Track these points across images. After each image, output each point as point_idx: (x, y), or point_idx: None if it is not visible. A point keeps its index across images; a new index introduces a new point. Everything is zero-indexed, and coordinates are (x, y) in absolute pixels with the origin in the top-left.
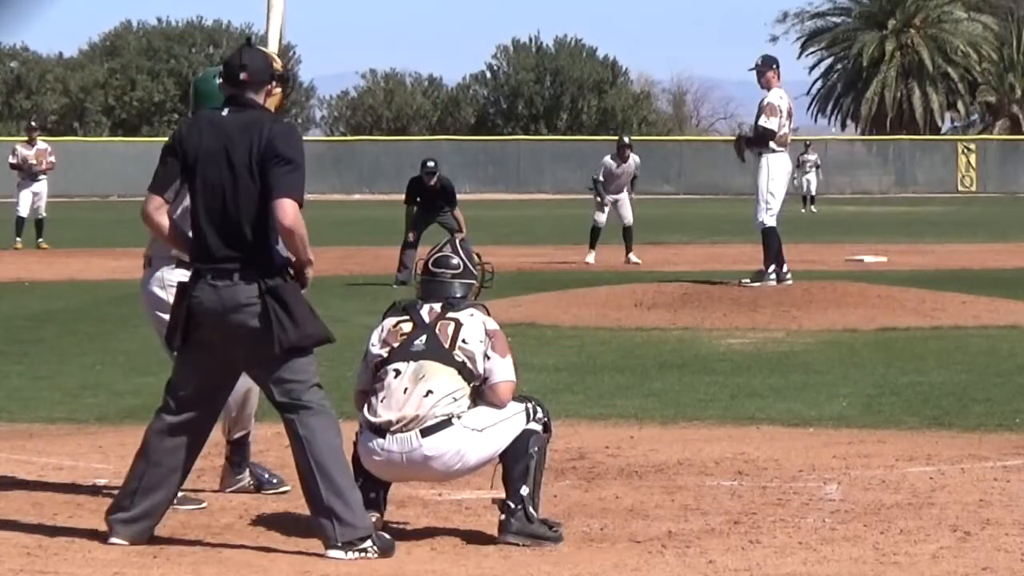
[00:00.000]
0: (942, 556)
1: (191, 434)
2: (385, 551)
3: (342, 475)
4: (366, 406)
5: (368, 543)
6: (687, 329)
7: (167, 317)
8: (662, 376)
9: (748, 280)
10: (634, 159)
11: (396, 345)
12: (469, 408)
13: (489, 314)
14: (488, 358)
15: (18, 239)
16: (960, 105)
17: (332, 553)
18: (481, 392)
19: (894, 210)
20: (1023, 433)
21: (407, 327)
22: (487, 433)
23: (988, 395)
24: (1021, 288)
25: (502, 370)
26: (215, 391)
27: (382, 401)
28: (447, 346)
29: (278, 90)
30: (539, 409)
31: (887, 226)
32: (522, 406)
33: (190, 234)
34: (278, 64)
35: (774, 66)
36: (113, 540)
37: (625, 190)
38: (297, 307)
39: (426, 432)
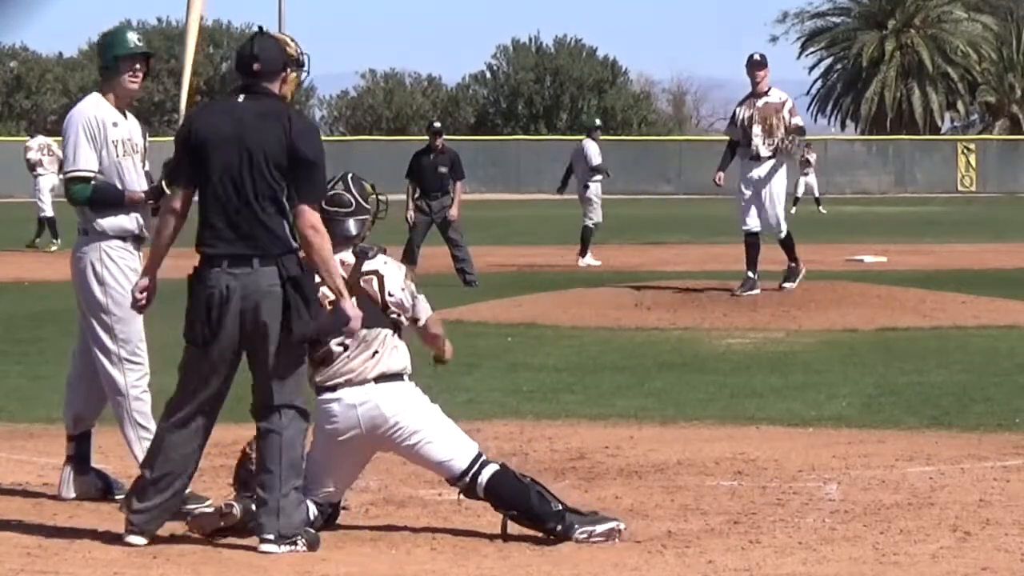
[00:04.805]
0: (942, 556)
1: (200, 426)
2: (312, 544)
3: (299, 476)
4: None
5: (299, 537)
6: (687, 329)
7: (97, 290)
8: (662, 376)
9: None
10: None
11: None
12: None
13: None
14: (415, 298)
15: (55, 240)
16: (960, 105)
17: (265, 547)
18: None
19: (894, 210)
20: (1023, 433)
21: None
22: (432, 408)
23: (988, 395)
24: (1021, 288)
25: (424, 308)
26: (222, 381)
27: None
28: (379, 306)
29: (293, 75)
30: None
31: (887, 226)
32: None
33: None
34: (292, 49)
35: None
36: (130, 540)
37: None
38: (314, 300)
39: (379, 379)
